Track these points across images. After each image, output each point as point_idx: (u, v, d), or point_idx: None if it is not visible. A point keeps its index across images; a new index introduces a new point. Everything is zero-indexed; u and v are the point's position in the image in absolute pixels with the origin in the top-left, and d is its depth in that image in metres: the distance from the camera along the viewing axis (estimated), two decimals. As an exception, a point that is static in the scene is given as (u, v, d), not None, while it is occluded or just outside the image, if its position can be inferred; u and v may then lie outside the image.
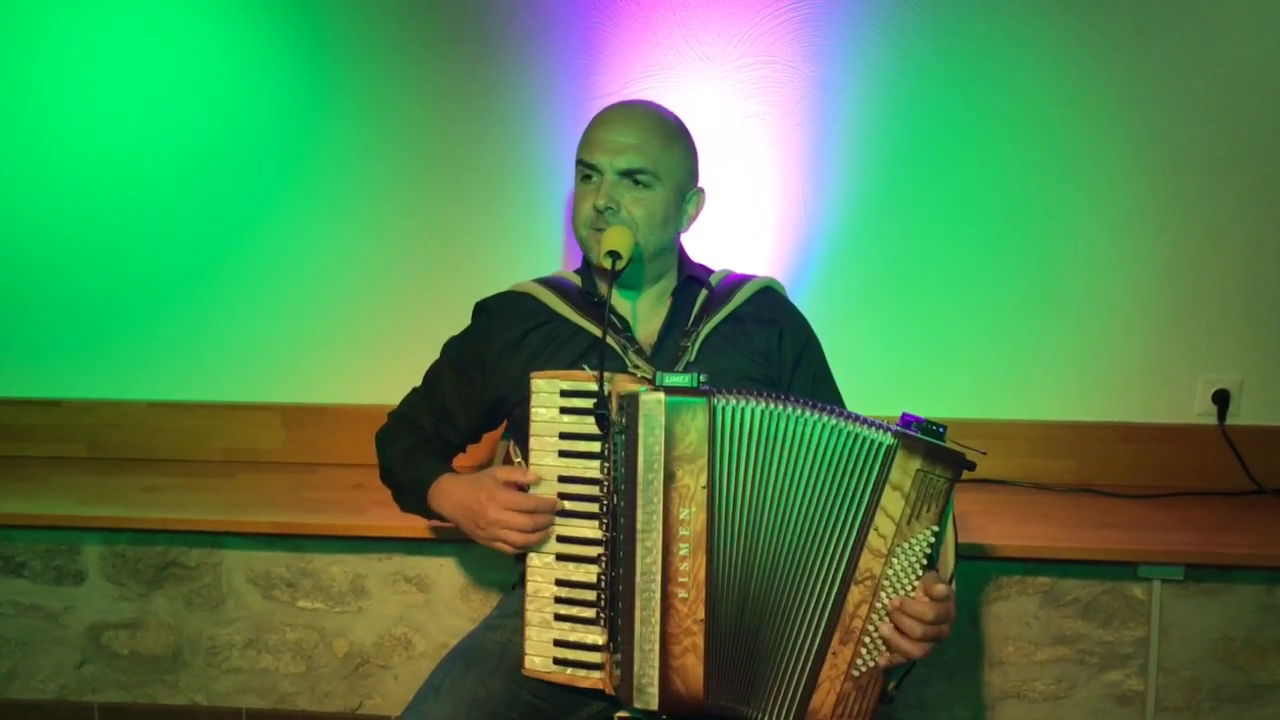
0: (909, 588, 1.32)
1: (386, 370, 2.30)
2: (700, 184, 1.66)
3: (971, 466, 1.32)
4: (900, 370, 2.24)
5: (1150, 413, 2.23)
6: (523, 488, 1.43)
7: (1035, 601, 2.12)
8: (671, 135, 1.59)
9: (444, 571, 2.20)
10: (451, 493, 1.53)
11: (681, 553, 1.33)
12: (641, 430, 1.33)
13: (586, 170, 1.56)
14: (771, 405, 1.33)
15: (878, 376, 2.22)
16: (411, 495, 1.61)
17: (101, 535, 2.23)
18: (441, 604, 2.22)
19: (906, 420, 1.33)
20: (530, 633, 1.44)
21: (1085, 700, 2.15)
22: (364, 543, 2.18)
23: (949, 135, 2.15)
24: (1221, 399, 2.21)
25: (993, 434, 2.21)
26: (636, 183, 1.54)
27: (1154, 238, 2.18)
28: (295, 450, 2.37)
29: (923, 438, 1.31)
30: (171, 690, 2.30)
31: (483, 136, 2.21)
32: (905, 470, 1.31)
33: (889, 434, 1.32)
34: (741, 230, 2.20)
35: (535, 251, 2.24)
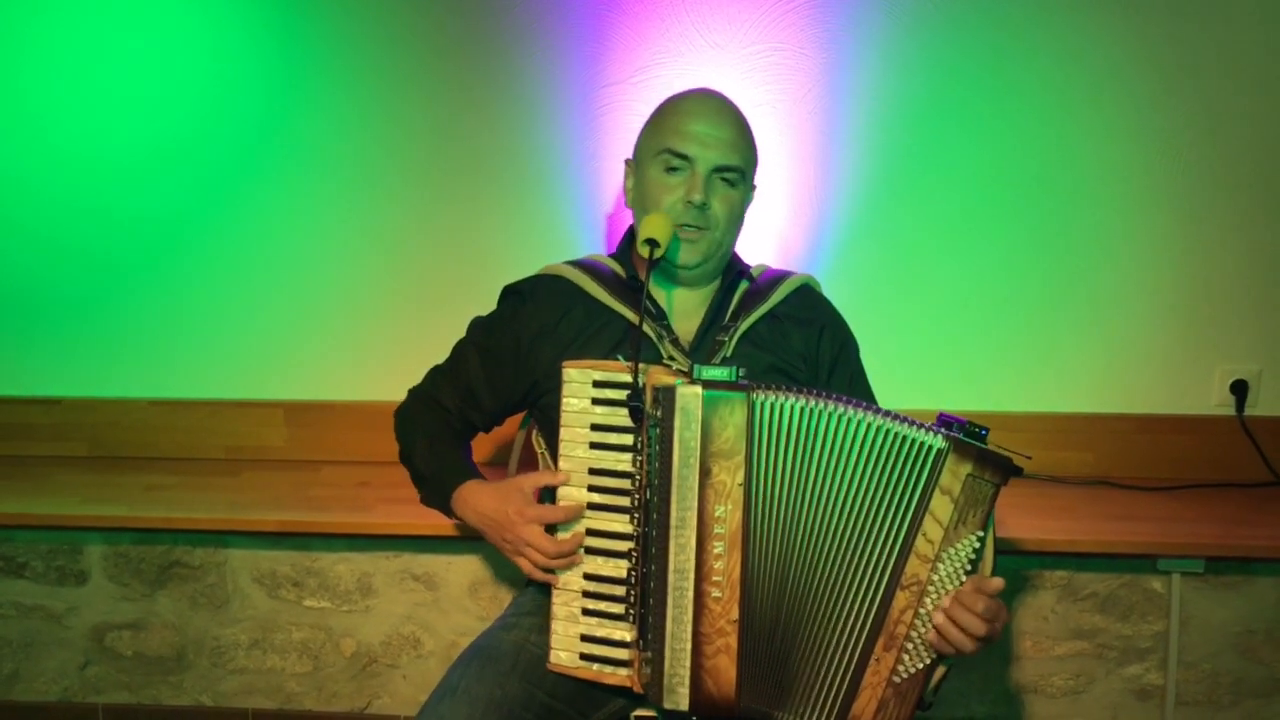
0: (952, 593, 1.30)
1: (390, 366, 2.28)
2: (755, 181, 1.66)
3: (1019, 472, 1.30)
4: (913, 361, 2.22)
5: (1168, 404, 2.21)
6: (552, 490, 1.42)
7: (1053, 595, 2.10)
8: (751, 135, 1.60)
9: (452, 569, 2.18)
10: (478, 503, 1.50)
11: (716, 550, 1.30)
12: (678, 424, 1.30)
13: (675, 161, 1.53)
14: (812, 402, 1.30)
15: (890, 368, 2.18)
16: (434, 494, 1.58)
17: (104, 535, 2.21)
18: (450, 602, 2.19)
19: (945, 419, 1.30)
20: (556, 626, 1.41)
21: (1104, 695, 2.13)
22: (370, 541, 2.15)
23: (962, 123, 2.13)
24: (1240, 389, 2.19)
25: (1009, 426, 2.17)
26: (726, 181, 1.53)
27: (1170, 227, 2.15)
28: (299, 447, 2.34)
29: (972, 442, 1.28)
30: (176, 691, 2.28)
31: (488, 126, 2.18)
32: (956, 475, 1.28)
33: (940, 437, 1.29)
34: (752, 218, 2.16)
35: (543, 243, 2.21)
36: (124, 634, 2.26)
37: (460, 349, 1.68)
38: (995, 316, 2.20)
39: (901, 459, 1.29)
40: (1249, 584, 2.06)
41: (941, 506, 1.28)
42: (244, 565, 2.21)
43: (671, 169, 1.53)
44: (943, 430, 1.29)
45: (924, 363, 2.22)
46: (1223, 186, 2.13)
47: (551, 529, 1.43)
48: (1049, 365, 2.21)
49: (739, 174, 1.53)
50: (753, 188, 1.64)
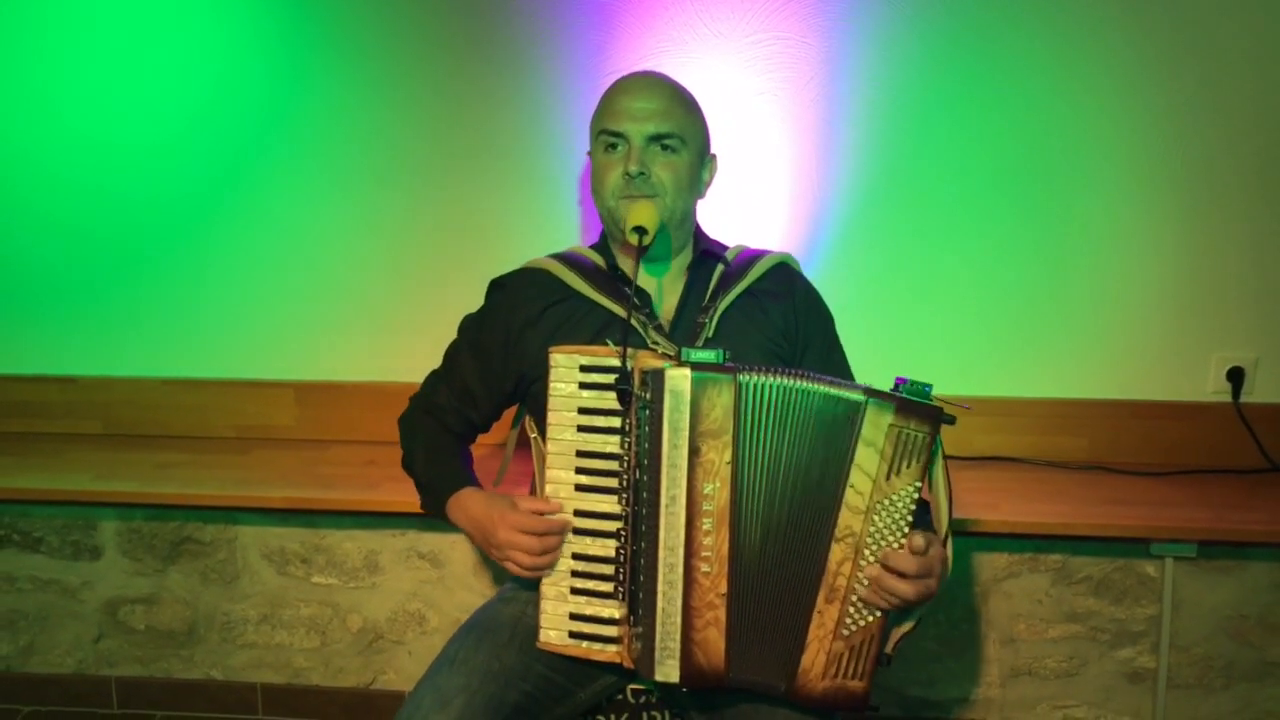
0: (894, 545, 1.32)
1: (398, 347, 2.31)
2: (713, 150, 1.66)
3: (950, 420, 1.31)
4: (911, 346, 2.24)
5: (1164, 390, 2.23)
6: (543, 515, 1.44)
7: (1047, 579, 2.13)
8: (689, 101, 1.61)
9: (457, 547, 2.21)
10: (469, 508, 1.53)
11: (705, 527, 1.34)
12: (667, 405, 1.33)
13: (611, 140, 1.56)
14: (790, 381, 1.33)
15: (887, 352, 2.21)
16: (431, 501, 1.62)
17: (117, 511, 2.25)
18: (455, 580, 2.23)
19: (898, 383, 1.34)
20: (546, 606, 1.44)
21: (1097, 677, 2.16)
22: (377, 518, 2.19)
23: (961, 111, 2.14)
24: (1236, 376, 2.20)
25: (1005, 411, 2.21)
26: (664, 148, 1.54)
27: (1169, 215, 2.16)
28: (308, 427, 2.38)
29: (895, 394, 1.32)
30: (187, 665, 2.32)
31: (495, 113, 2.21)
32: (877, 426, 1.31)
33: (859, 392, 1.33)
34: (754, 206, 2.19)
35: (549, 228, 2.24)
36: (136, 608, 2.30)
37: (452, 350, 1.71)
38: (993, 303, 2.21)
39: (834, 418, 1.33)
40: (1241, 568, 2.08)
41: (867, 458, 1.31)
42: (253, 542, 2.25)
43: (610, 147, 1.56)
44: (866, 386, 1.33)
45: (921, 348, 2.23)
46: (1221, 175, 2.14)
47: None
48: (1046, 351, 2.23)
49: (678, 139, 1.55)
50: (710, 155, 1.65)
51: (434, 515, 1.63)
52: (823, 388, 1.34)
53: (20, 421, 2.44)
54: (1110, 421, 2.23)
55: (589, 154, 1.63)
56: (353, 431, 2.36)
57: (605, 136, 1.56)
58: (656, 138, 1.54)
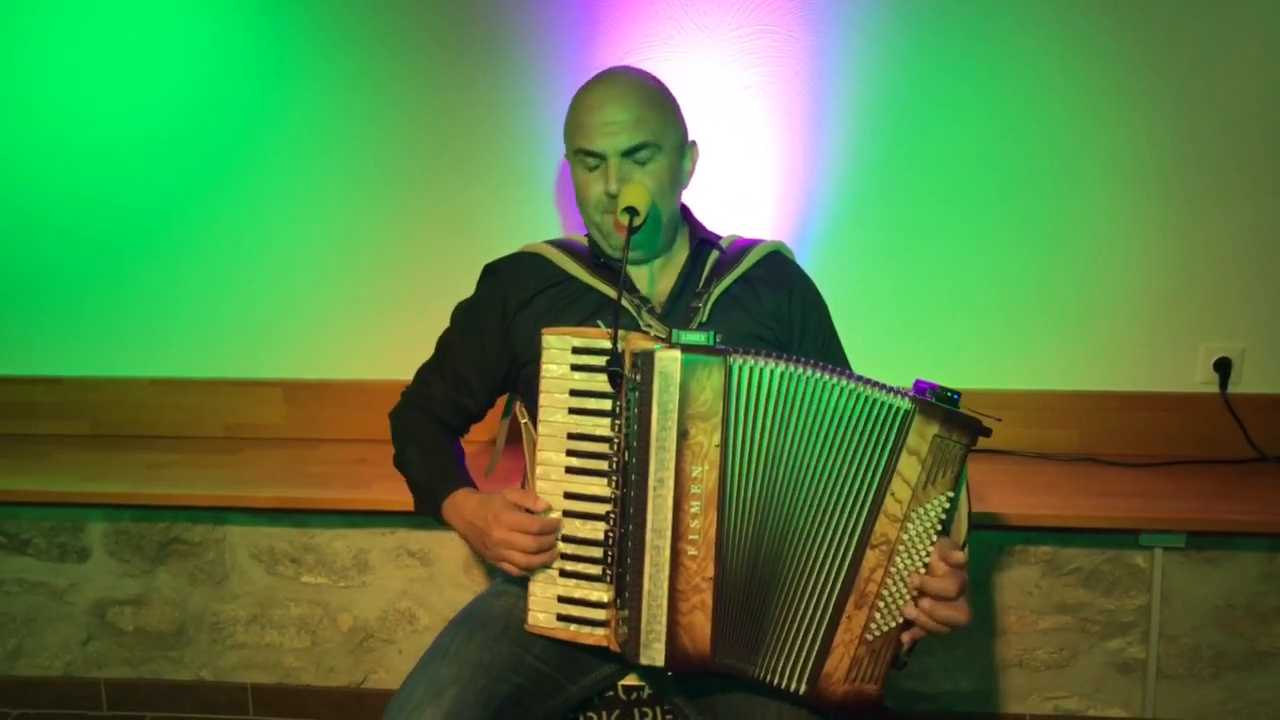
0: (924, 553, 1.32)
1: (387, 344, 2.31)
2: (691, 137, 1.66)
3: (988, 433, 1.32)
4: (900, 340, 2.24)
5: (1152, 381, 2.23)
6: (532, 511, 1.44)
7: (1037, 570, 2.13)
8: (660, 99, 1.59)
9: (447, 545, 2.21)
10: (464, 509, 1.53)
11: (693, 510, 1.33)
12: (656, 387, 1.32)
13: (588, 159, 1.55)
14: (789, 367, 1.33)
15: (878, 346, 2.21)
16: (426, 503, 1.61)
17: (105, 512, 2.24)
18: (445, 578, 2.22)
19: (920, 387, 1.33)
20: (534, 589, 1.44)
21: (1087, 668, 2.16)
22: (367, 517, 2.19)
23: (948, 104, 2.14)
24: (1223, 367, 2.21)
25: (995, 403, 2.19)
26: (640, 158, 1.54)
27: (1157, 207, 2.17)
28: (297, 425, 2.37)
29: (939, 404, 1.31)
30: (177, 666, 2.31)
31: (480, 108, 2.21)
32: (922, 436, 1.31)
33: (907, 399, 1.32)
34: (741, 200, 2.19)
35: (535, 223, 2.24)
36: (125, 609, 2.29)
37: (444, 339, 1.71)
38: (981, 294, 2.22)
39: (871, 421, 1.32)
40: (1230, 559, 2.08)
41: (909, 467, 1.31)
42: (242, 542, 2.24)
43: (589, 166, 1.56)
44: (911, 393, 1.33)
45: (909, 339, 2.24)
46: (1208, 167, 2.14)
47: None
48: (1035, 343, 2.23)
49: (654, 147, 1.54)
50: (690, 143, 1.64)
51: (429, 515, 1.63)
52: (853, 385, 1.32)
53: (7, 423, 2.43)
54: (1099, 413, 2.24)
55: (566, 158, 1.63)
56: (342, 430, 2.35)
57: (582, 156, 1.56)
58: (631, 151, 1.53)
